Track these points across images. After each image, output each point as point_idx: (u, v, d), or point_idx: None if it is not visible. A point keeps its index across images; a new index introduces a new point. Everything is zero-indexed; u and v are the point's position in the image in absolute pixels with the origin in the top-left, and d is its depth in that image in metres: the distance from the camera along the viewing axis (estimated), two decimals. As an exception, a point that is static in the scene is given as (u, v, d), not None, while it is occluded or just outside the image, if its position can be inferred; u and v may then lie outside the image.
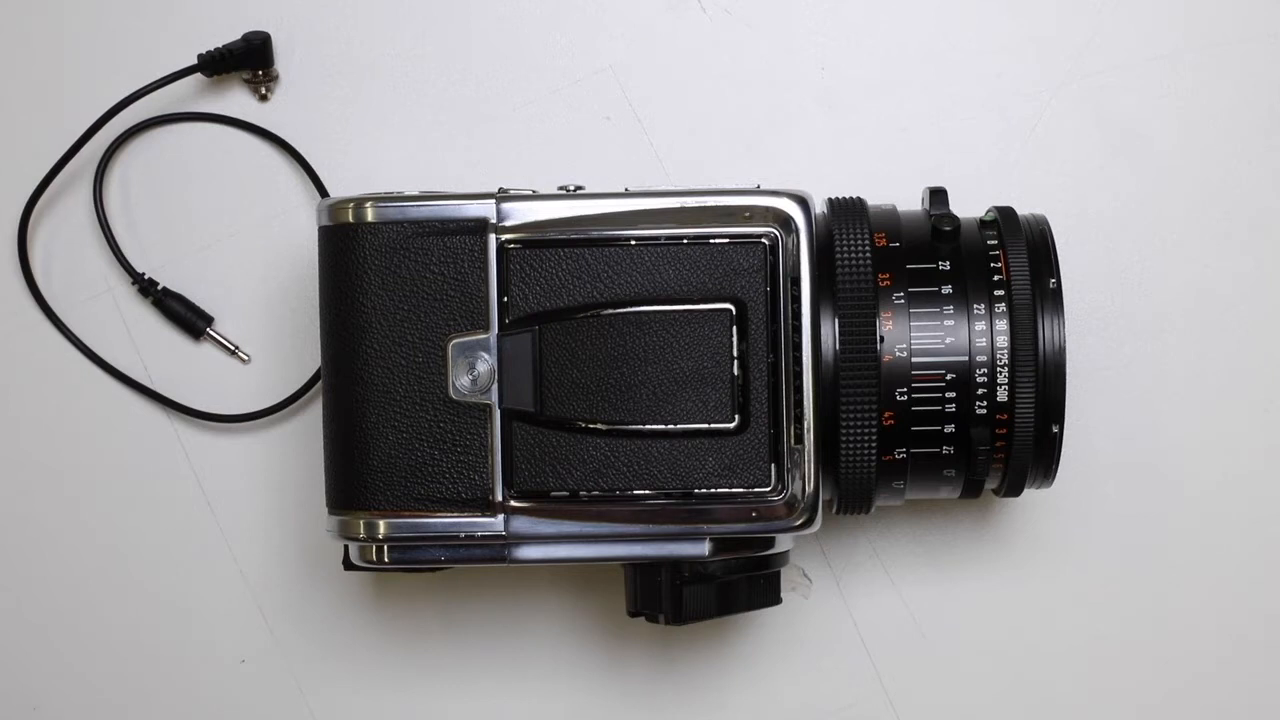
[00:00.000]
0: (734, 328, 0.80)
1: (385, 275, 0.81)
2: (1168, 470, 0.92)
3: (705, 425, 0.80)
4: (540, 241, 0.80)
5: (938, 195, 0.84)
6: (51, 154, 0.92)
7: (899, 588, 0.92)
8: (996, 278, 0.81)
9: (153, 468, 0.93)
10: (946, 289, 0.81)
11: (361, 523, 0.81)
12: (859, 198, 0.84)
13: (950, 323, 0.81)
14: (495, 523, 0.81)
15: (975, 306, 0.81)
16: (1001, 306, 0.81)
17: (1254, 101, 0.92)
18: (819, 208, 0.83)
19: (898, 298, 0.81)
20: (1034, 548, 0.92)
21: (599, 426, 0.80)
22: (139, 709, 0.93)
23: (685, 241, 0.80)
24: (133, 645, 0.93)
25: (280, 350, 0.93)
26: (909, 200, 0.86)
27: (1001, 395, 0.80)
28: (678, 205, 0.81)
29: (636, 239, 0.80)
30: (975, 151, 0.92)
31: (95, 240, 0.93)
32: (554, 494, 0.80)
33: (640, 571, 0.83)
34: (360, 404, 0.81)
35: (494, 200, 0.81)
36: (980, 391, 0.80)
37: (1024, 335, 0.80)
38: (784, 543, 0.83)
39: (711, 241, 0.80)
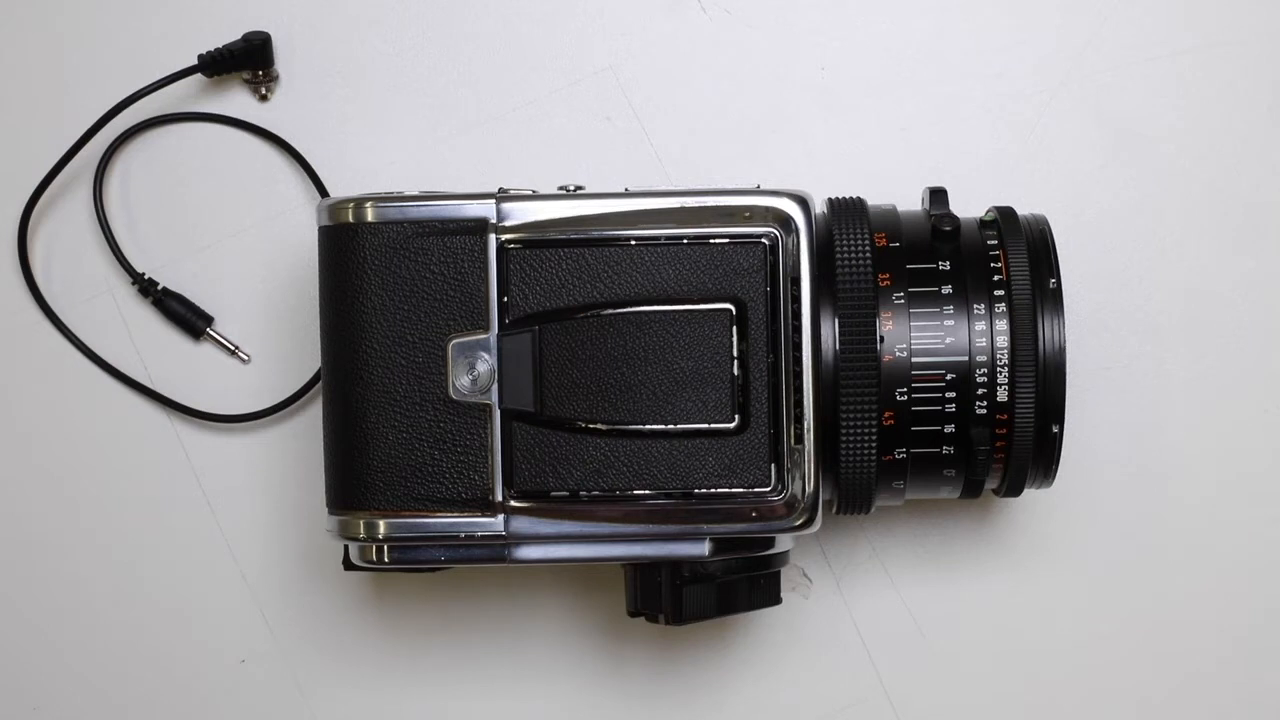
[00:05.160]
0: (734, 328, 0.80)
1: (385, 275, 0.81)
2: (1168, 470, 0.92)
3: (705, 425, 0.80)
4: (540, 241, 0.80)
5: (938, 195, 0.84)
6: (51, 154, 0.92)
7: (899, 588, 0.92)
8: (996, 278, 0.81)
9: (153, 468, 0.93)
10: (946, 289, 0.81)
11: (361, 523, 0.81)
12: (859, 198, 0.84)
13: (950, 323, 0.81)
14: (495, 523, 0.81)
15: (975, 306, 0.81)
16: (1001, 306, 0.81)
17: (1254, 101, 0.92)
18: (819, 208, 0.83)
19: (898, 298, 0.81)
20: (1034, 548, 0.92)
21: (599, 426, 0.80)
22: (139, 709, 0.93)
23: (685, 241, 0.80)
24: (133, 645, 0.93)
25: (280, 350, 0.93)
26: (909, 200, 0.86)
27: (1001, 395, 0.80)
28: (678, 205, 0.81)
29: (636, 239, 0.80)
30: (975, 151, 0.92)
31: (95, 240, 0.93)
32: (554, 494, 0.80)
33: (640, 571, 0.83)
34: (360, 404, 0.81)
35: (494, 200, 0.81)
36: (980, 391, 0.80)
37: (1024, 335, 0.80)
38: (784, 543, 0.83)
39: (711, 241, 0.80)
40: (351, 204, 0.81)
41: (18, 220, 0.92)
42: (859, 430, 0.80)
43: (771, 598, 0.84)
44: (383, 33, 0.93)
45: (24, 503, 0.93)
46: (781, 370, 0.80)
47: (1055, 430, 0.81)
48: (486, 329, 0.81)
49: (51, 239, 0.93)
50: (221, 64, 0.91)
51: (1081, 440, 0.91)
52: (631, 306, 0.80)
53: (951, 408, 0.80)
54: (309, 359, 0.92)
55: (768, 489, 0.80)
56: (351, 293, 0.81)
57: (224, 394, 0.93)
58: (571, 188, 0.82)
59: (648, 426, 0.80)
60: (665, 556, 0.81)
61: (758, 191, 0.81)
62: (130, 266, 0.92)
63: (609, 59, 0.93)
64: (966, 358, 0.80)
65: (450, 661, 0.93)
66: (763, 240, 0.80)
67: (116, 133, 0.92)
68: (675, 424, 0.80)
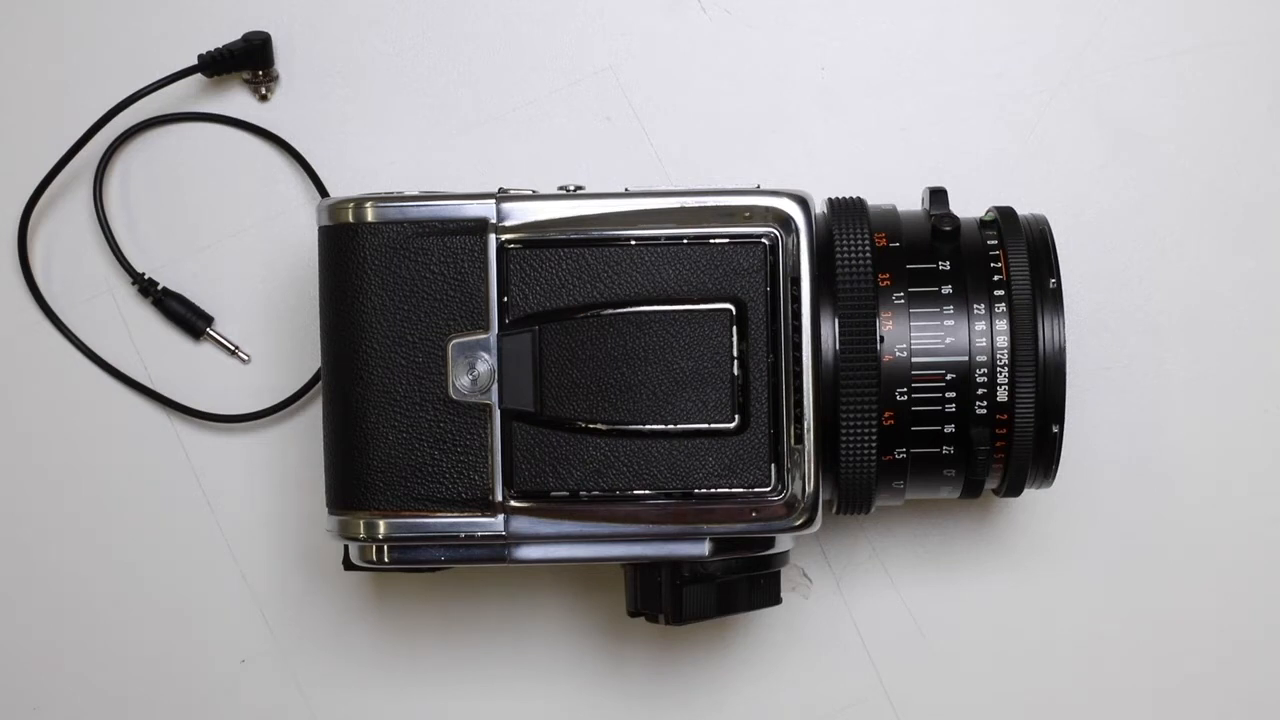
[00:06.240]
0: (734, 328, 0.80)
1: (385, 275, 0.81)
2: (1168, 470, 0.92)
3: (705, 425, 0.80)
4: (540, 241, 0.80)
5: (938, 195, 0.84)
6: (51, 154, 0.92)
7: (899, 588, 0.92)
8: (996, 278, 0.81)
9: (153, 468, 0.93)
10: (946, 289, 0.81)
11: (361, 523, 0.81)
12: (859, 198, 0.84)
13: (950, 323, 0.81)
14: (495, 523, 0.81)
15: (975, 306, 0.81)
16: (1001, 306, 0.81)
17: (1254, 101, 0.92)
18: (819, 208, 0.83)
19: (898, 298, 0.81)
20: (1034, 548, 0.92)
21: (599, 426, 0.80)
22: (139, 709, 0.93)
23: (685, 241, 0.80)
24: (133, 645, 0.93)
25: (280, 350, 0.93)
26: (909, 200, 0.86)
27: (1001, 395, 0.80)
28: (678, 205, 0.81)
29: (636, 239, 0.80)
30: (975, 151, 0.92)
31: (95, 240, 0.93)
32: (554, 494, 0.80)
33: (640, 571, 0.83)
34: (360, 404, 0.81)
35: (494, 200, 0.81)
36: (980, 391, 0.80)
37: (1024, 335, 0.80)
38: (784, 543, 0.83)
39: (711, 241, 0.80)
40: (351, 204, 0.81)
41: (18, 220, 0.92)
42: (859, 430, 0.80)
43: (771, 598, 0.84)
44: (383, 33, 0.93)
45: (24, 503, 0.93)
46: (781, 370, 0.80)
47: (1055, 430, 0.81)
48: (486, 329, 0.81)
49: (51, 239, 0.93)
50: (221, 64, 0.91)
51: (1081, 440, 0.91)
52: (631, 306, 0.80)
53: (951, 408, 0.80)
54: (309, 359, 0.92)
55: (768, 489, 0.80)
56: (351, 293, 0.81)
57: (224, 394, 0.93)
58: (571, 188, 0.82)
59: (648, 426, 0.80)
60: (665, 556, 0.81)
61: (758, 191, 0.81)
62: (130, 266, 0.92)
63: (609, 59, 0.93)
64: (966, 358, 0.80)
65: (450, 661, 0.93)
66: (763, 240, 0.80)
67: (116, 133, 0.92)
68: (675, 424, 0.80)
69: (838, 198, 0.84)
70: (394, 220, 0.81)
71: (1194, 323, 0.92)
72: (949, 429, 0.81)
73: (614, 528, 0.80)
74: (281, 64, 0.93)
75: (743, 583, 0.83)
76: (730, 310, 0.80)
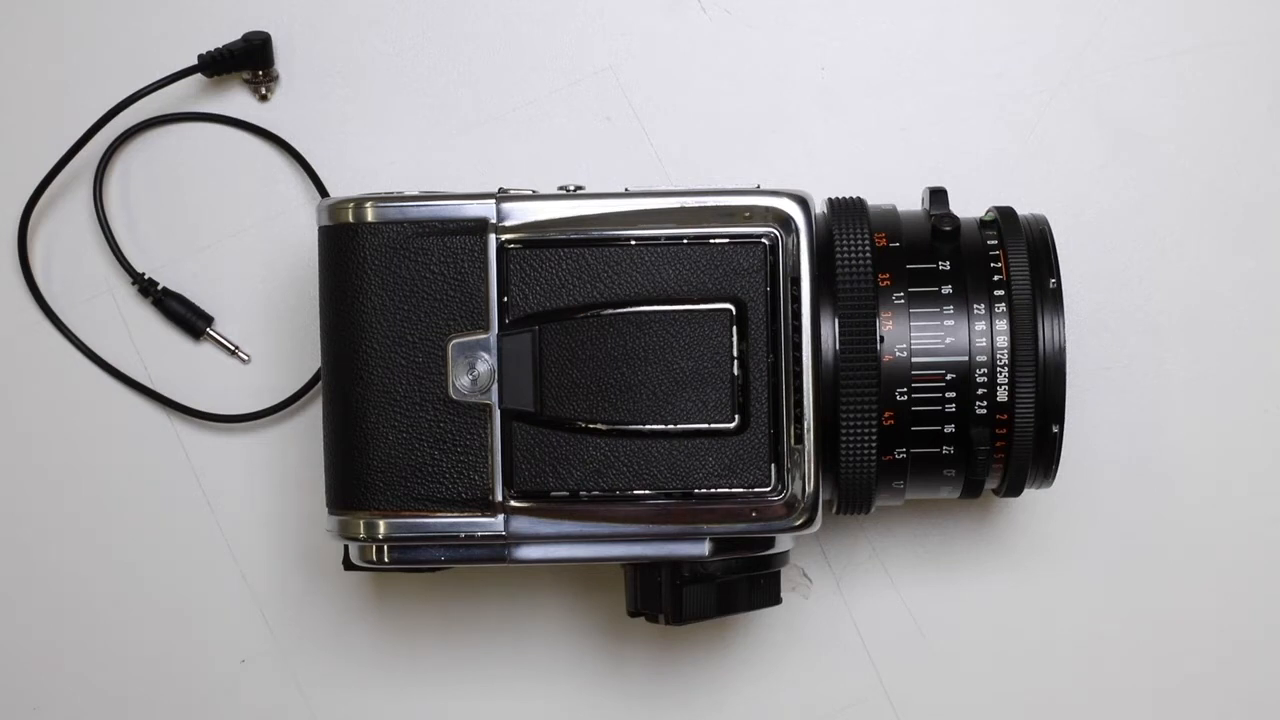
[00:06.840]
0: (734, 328, 0.80)
1: (385, 275, 0.81)
2: (1168, 470, 0.92)
3: (705, 425, 0.80)
4: (540, 241, 0.80)
5: (938, 195, 0.84)
6: (51, 154, 0.92)
7: (899, 588, 0.92)
8: (996, 278, 0.81)
9: (153, 468, 0.93)
10: (946, 289, 0.81)
11: (361, 523, 0.81)
12: (859, 198, 0.84)
13: (950, 323, 0.81)
14: (495, 523, 0.81)
15: (975, 306, 0.81)
16: (1001, 306, 0.81)
17: (1254, 101, 0.92)
18: (819, 208, 0.83)
19: (898, 298, 0.81)
20: (1034, 548, 0.92)
21: (599, 426, 0.80)
22: (139, 709, 0.93)
23: (685, 241, 0.80)
24: (133, 645, 0.93)
25: (280, 350, 0.93)
26: (909, 200, 0.86)
27: (1001, 395, 0.80)
28: (678, 205, 0.81)
29: (636, 239, 0.80)
30: (975, 151, 0.92)
31: (95, 240, 0.93)
32: (554, 494, 0.80)
33: (640, 571, 0.83)
34: (360, 404, 0.81)
35: (494, 200, 0.81)
36: (980, 391, 0.80)
37: (1024, 335, 0.80)
38: (784, 543, 0.83)
39: (711, 241, 0.80)
40: (351, 204, 0.81)
41: (18, 220, 0.92)
42: (859, 430, 0.80)
43: (771, 598, 0.84)
44: (383, 33, 0.93)
45: (23, 503, 0.93)
46: (781, 370, 0.80)
47: (1055, 430, 0.81)
48: (486, 329, 0.81)
49: (51, 239, 0.93)
50: (221, 64, 0.91)
51: (1081, 440, 0.91)
52: (631, 306, 0.80)
53: (951, 408, 0.80)
54: (309, 359, 0.92)
55: (768, 489, 0.80)
56: (351, 293, 0.81)
57: (224, 394, 0.93)
58: (571, 188, 0.82)
59: (648, 426, 0.80)
60: (665, 556, 0.81)
61: (758, 191, 0.81)
62: (130, 266, 0.92)
63: (609, 59, 0.93)
64: (966, 358, 0.80)
65: (450, 661, 0.93)
66: (763, 240, 0.80)
67: (116, 133, 0.92)
68: (675, 424, 0.80)
69: (838, 198, 0.84)
70: (394, 220, 0.81)
71: (1194, 323, 0.92)
72: (949, 429, 0.81)
73: (614, 528, 0.81)
74: (281, 64, 0.93)
75: (743, 583, 0.83)
76: (730, 310, 0.80)
